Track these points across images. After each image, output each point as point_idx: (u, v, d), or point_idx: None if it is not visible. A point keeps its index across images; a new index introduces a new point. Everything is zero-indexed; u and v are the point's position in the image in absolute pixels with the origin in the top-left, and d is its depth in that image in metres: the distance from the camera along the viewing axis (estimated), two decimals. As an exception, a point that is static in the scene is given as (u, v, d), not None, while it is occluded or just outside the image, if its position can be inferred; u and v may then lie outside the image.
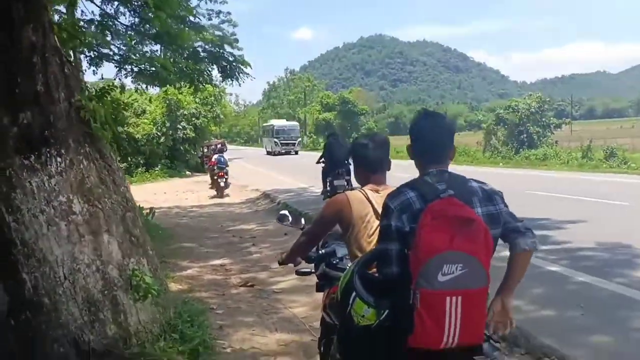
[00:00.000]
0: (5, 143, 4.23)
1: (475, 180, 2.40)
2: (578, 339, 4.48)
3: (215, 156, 20.32)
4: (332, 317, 2.98)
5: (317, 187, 18.34)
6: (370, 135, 3.30)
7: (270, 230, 11.66)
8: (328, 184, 12.71)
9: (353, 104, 67.57)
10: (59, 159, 4.41)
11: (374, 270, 2.36)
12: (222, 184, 18.87)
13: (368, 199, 2.86)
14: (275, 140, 53.67)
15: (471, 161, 29.90)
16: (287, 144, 53.26)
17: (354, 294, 2.30)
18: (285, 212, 3.88)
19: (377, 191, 2.91)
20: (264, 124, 68.46)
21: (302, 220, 3.76)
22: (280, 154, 51.16)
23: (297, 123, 63.02)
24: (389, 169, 3.09)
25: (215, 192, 19.40)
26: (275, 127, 56.17)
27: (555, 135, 35.23)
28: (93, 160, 4.70)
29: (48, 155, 4.35)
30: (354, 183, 3.47)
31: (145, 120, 36.06)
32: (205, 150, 36.70)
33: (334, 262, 3.23)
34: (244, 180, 25.45)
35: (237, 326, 5.45)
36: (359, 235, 2.78)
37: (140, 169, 34.23)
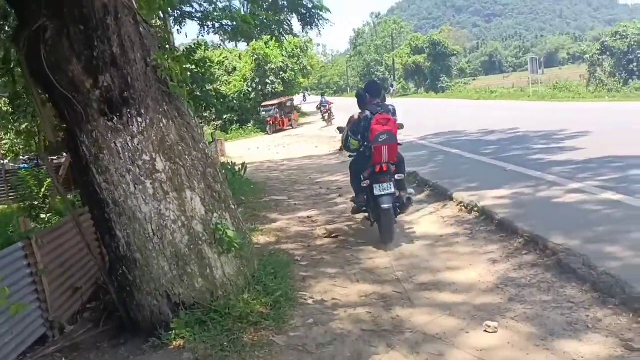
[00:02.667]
0: (90, 106, 4.42)
1: (391, 105, 6.58)
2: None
3: (319, 99, 32.85)
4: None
5: (405, 134, 17.95)
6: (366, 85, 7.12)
7: (357, 180, 11.59)
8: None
9: (443, 45, 64.47)
10: (139, 119, 4.54)
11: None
12: (326, 117, 30.09)
13: (359, 116, 6.57)
14: None
15: (573, 97, 27.01)
16: None
17: (349, 137, 6.55)
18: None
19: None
20: None
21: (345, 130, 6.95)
22: None
23: None
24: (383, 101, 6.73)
25: (325, 124, 29.62)
26: None
27: (671, 63, 31.55)
28: (172, 118, 4.79)
29: (129, 115, 4.50)
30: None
31: (236, 77, 36.91)
32: (264, 110, 33.92)
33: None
34: (332, 131, 25.40)
35: (319, 277, 5.49)
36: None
37: (234, 126, 35.36)
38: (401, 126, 6.58)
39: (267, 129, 32.42)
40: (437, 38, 65.85)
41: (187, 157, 4.79)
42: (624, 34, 30.99)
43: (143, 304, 4.52)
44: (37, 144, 24.00)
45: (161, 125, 4.69)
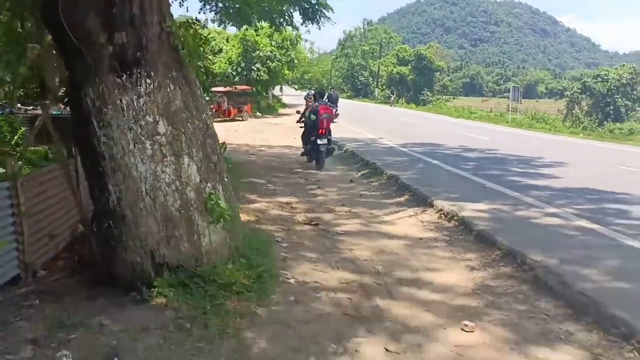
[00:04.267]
0: (101, 61, 4.40)
1: (330, 103, 13.21)
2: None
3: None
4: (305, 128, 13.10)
5: (387, 139, 18.19)
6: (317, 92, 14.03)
7: (336, 176, 11.74)
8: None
9: (429, 60, 65.45)
10: (148, 80, 4.53)
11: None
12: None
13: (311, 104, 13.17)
14: None
15: (549, 129, 27.75)
16: None
17: (310, 115, 12.58)
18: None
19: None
20: None
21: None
22: None
23: None
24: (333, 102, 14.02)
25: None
26: None
27: (644, 111, 32.92)
28: (179, 85, 4.79)
29: (139, 75, 4.49)
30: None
31: (222, 59, 36.54)
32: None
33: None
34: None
35: (300, 260, 5.56)
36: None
37: (214, 105, 34.98)
38: (337, 113, 13.53)
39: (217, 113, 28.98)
40: (423, 52, 66.75)
41: (189, 124, 4.79)
42: (606, 77, 32.21)
43: (126, 260, 4.51)
44: (7, 92, 23.37)
45: (168, 90, 4.68)
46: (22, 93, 21.65)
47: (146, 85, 4.53)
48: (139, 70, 4.50)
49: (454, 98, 74.13)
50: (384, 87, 69.40)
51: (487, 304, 4.48)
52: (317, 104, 12.75)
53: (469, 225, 6.70)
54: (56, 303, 4.29)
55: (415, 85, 63.38)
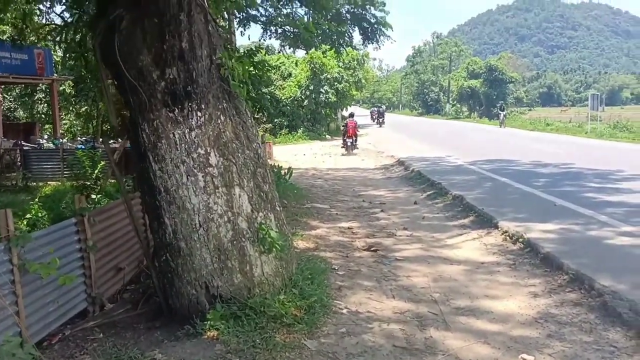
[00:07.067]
0: (154, 96, 4.59)
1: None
2: None
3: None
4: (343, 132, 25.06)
5: (455, 157, 17.78)
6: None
7: (400, 197, 11.57)
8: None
9: (501, 72, 63.62)
10: (199, 113, 4.68)
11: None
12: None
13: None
14: None
15: (633, 138, 25.64)
16: None
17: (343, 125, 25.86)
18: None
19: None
20: None
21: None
22: None
23: None
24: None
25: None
26: None
27: None
28: (230, 116, 4.91)
29: (190, 109, 4.64)
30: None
31: (291, 83, 37.30)
32: None
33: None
34: (381, 146, 25.43)
35: (355, 288, 5.49)
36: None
37: (283, 131, 35.71)
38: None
39: None
40: (494, 64, 65.09)
41: (239, 154, 4.89)
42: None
43: (182, 291, 4.64)
44: (94, 127, 24.99)
45: (219, 121, 4.80)
46: (106, 127, 23.09)
47: (197, 118, 4.67)
48: (190, 104, 4.64)
49: (529, 110, 71.44)
50: (454, 102, 68.14)
51: (549, 335, 4.21)
52: (347, 120, 24.03)
53: (535, 248, 6.36)
54: (118, 337, 4.48)
55: (487, 99, 61.73)
